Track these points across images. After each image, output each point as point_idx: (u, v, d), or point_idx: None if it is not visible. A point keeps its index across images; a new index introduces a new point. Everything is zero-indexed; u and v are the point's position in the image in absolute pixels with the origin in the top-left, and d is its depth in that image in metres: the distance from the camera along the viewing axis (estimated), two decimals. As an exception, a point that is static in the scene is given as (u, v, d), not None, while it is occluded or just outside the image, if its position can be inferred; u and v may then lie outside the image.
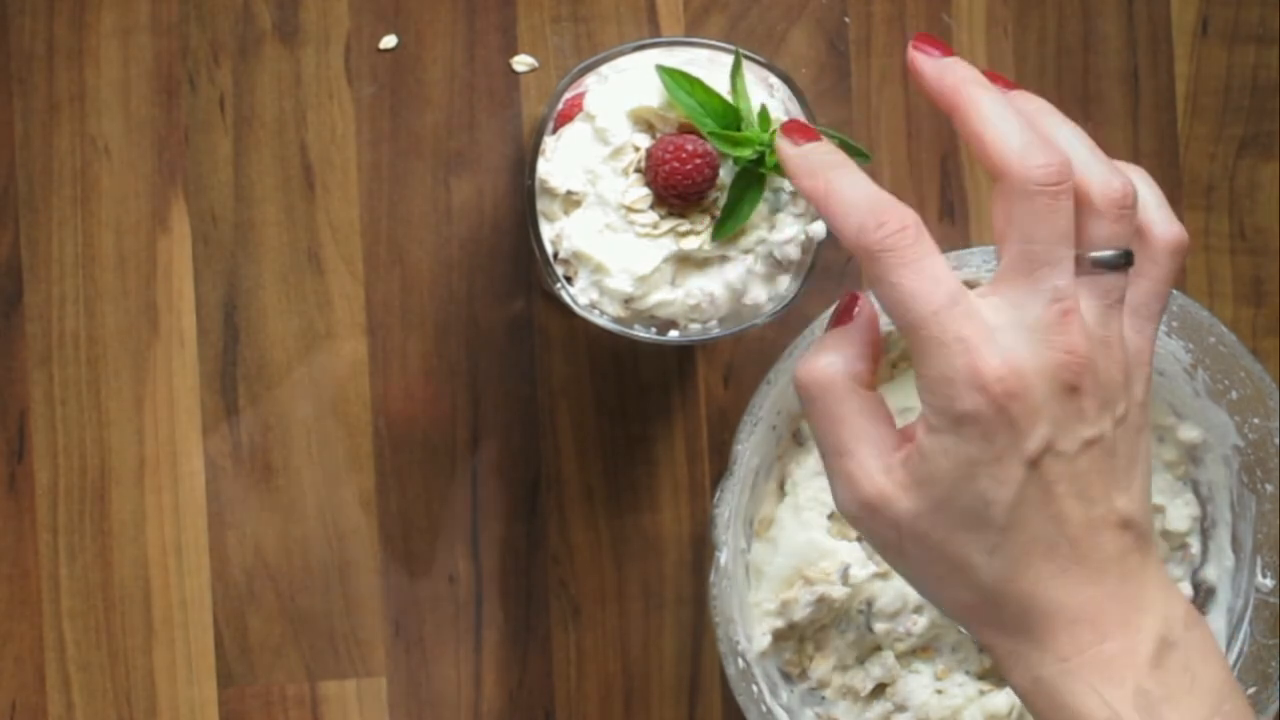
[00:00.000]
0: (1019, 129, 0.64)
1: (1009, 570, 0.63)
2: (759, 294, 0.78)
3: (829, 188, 0.65)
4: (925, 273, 0.63)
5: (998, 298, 0.63)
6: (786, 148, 0.68)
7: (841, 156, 0.67)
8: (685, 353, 0.87)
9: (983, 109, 0.64)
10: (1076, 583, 0.64)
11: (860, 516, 0.65)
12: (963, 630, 0.85)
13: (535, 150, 0.77)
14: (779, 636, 0.84)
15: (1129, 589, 0.64)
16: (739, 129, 0.75)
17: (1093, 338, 0.63)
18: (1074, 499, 0.63)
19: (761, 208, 0.76)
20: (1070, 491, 0.63)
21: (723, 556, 0.79)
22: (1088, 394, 0.63)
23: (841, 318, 0.68)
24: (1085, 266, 0.64)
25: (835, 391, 0.66)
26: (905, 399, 0.84)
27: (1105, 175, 0.64)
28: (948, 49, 0.66)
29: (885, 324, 0.83)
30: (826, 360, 0.66)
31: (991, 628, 0.65)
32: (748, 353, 0.87)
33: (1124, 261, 0.64)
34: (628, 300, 0.77)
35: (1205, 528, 0.87)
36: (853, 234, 0.63)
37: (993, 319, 0.63)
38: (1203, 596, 0.87)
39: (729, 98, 0.75)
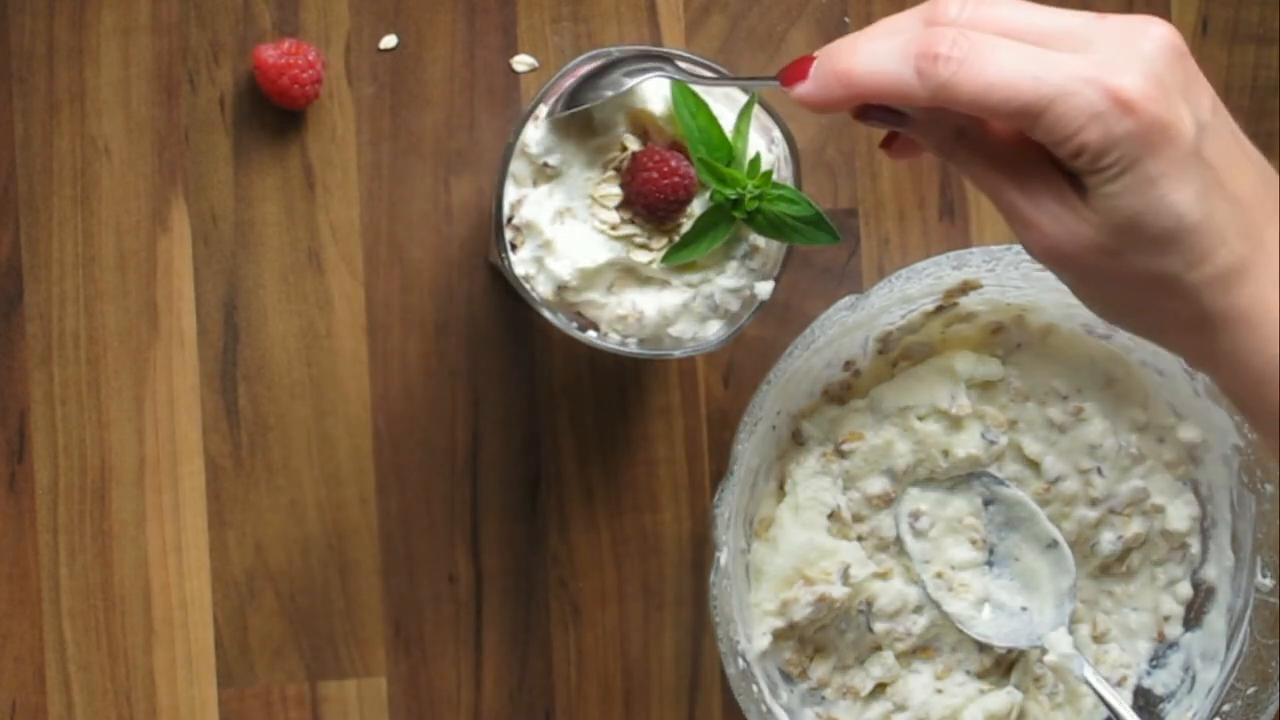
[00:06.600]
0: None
1: (1213, 269, 0.63)
2: (685, 329, 0.76)
3: (853, 74, 0.63)
4: (1000, 56, 0.62)
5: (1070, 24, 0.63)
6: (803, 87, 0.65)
7: (833, 46, 0.65)
8: (685, 353, 0.87)
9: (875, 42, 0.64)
10: (1272, 240, 0.64)
11: (1051, 263, 0.65)
12: (963, 629, 0.85)
13: (529, 113, 0.75)
14: (779, 636, 0.84)
15: None
16: (728, 165, 0.74)
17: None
18: (1233, 169, 0.64)
19: (719, 249, 0.75)
20: (1227, 163, 0.63)
21: (723, 556, 0.79)
22: (1187, 53, 0.63)
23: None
24: None
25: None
26: (905, 398, 0.84)
27: None
28: (805, 61, 0.65)
29: (897, 318, 0.83)
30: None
31: (1203, 334, 0.64)
32: (748, 353, 0.87)
33: None
34: (561, 287, 0.76)
35: (1205, 527, 0.87)
36: (912, 80, 0.62)
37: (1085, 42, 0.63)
38: (1203, 596, 0.87)
39: (729, 133, 0.74)
